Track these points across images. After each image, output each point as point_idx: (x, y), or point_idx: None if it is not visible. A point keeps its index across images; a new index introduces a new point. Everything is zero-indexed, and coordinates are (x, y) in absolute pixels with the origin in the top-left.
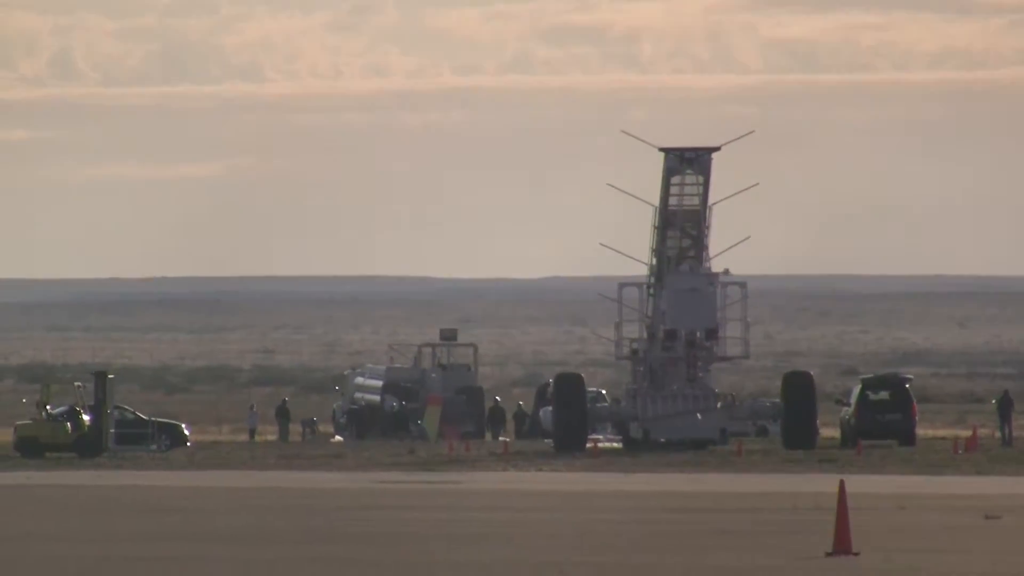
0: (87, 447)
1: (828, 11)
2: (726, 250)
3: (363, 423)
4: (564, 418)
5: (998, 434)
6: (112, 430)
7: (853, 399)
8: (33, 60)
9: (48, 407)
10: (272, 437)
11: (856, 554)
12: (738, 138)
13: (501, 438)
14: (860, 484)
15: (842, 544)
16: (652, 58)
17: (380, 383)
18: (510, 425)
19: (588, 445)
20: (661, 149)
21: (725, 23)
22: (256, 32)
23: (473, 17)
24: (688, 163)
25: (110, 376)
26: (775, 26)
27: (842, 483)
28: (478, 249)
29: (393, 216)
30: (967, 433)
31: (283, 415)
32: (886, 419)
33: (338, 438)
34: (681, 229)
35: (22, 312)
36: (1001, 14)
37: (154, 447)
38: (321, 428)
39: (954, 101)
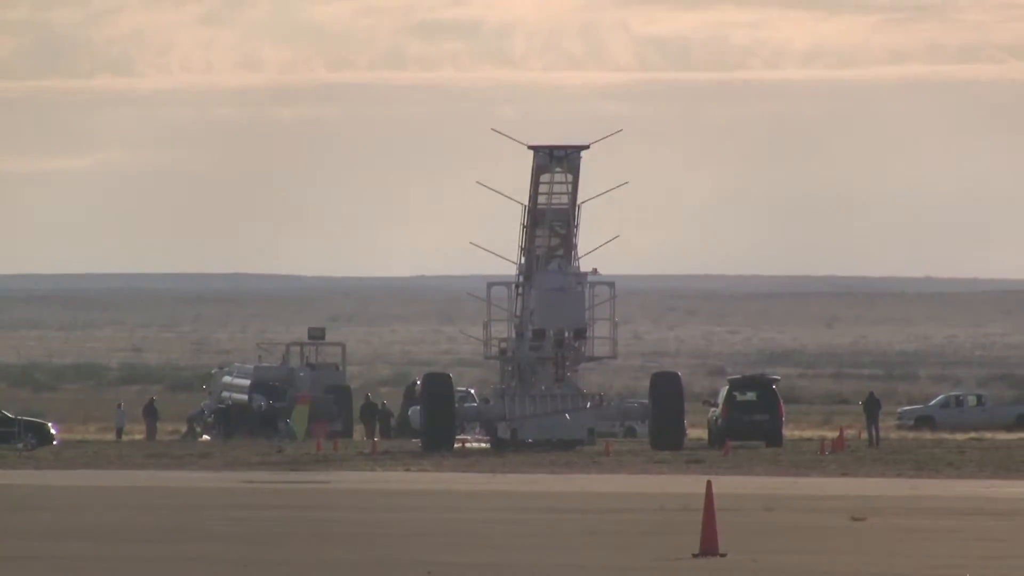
0: None
1: (701, 8)
2: (595, 249)
3: (231, 422)
4: (432, 417)
5: (865, 435)
6: None
7: (721, 400)
8: None
9: None
10: (140, 436)
11: (723, 555)
12: (607, 136)
13: (376, 439)
14: (728, 485)
15: (709, 545)
16: (524, 54)
17: (248, 382)
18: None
19: (456, 445)
20: (530, 147)
21: (597, 19)
22: (128, 25)
23: (345, 11)
24: (557, 161)
25: None
26: (647, 23)
27: (709, 484)
28: (348, 246)
29: (263, 212)
30: (834, 434)
31: (151, 414)
32: (753, 420)
33: (206, 437)
34: (550, 227)
35: None
36: (871, 13)
37: (20, 445)
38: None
39: (825, 99)
